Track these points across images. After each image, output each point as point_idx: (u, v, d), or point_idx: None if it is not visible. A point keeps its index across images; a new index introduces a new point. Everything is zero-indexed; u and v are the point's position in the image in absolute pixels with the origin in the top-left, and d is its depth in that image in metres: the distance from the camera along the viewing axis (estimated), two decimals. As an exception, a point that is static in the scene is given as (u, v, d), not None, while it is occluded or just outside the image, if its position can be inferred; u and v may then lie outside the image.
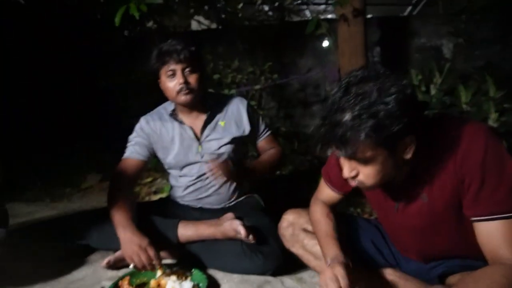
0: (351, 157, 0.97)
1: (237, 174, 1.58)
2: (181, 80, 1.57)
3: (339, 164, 1.27)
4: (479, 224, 0.97)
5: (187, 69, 1.59)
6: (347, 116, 0.91)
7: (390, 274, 1.29)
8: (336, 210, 1.39)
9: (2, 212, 1.60)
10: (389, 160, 0.96)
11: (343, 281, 1.00)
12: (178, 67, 1.57)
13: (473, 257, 1.09)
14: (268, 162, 1.77)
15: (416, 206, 1.09)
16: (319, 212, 1.34)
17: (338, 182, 1.31)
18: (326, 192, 1.37)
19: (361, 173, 1.00)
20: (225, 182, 1.67)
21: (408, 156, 0.97)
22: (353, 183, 1.04)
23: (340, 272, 1.03)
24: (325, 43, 3.90)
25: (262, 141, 1.83)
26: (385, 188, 1.14)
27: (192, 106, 1.69)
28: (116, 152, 1.84)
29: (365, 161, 0.96)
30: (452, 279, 1.14)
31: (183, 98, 1.61)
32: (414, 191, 1.08)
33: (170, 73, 1.58)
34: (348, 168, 1.01)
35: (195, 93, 1.63)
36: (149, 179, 3.14)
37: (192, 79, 1.61)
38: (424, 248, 1.19)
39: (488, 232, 0.96)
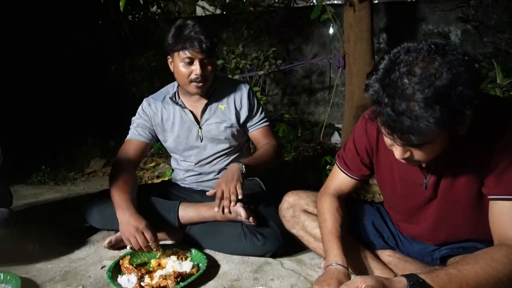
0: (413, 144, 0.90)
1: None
2: (199, 72, 1.54)
3: (356, 149, 1.27)
4: (495, 203, 0.98)
5: (205, 60, 1.56)
6: (416, 105, 0.81)
7: (389, 255, 1.30)
8: (348, 199, 1.36)
9: (5, 193, 1.63)
10: (448, 139, 0.92)
11: None
12: (197, 57, 1.53)
13: (480, 241, 1.09)
14: (263, 161, 1.64)
15: (443, 181, 1.08)
16: (328, 205, 1.28)
17: (355, 166, 1.29)
18: (339, 179, 1.33)
19: (415, 154, 0.95)
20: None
21: (463, 132, 0.91)
22: (402, 161, 1.00)
23: None
24: (331, 29, 3.84)
25: (257, 131, 1.75)
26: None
27: (199, 94, 1.67)
28: (121, 137, 1.84)
29: (423, 144, 0.90)
30: (453, 261, 1.14)
31: (194, 89, 1.60)
32: (446, 167, 1.07)
33: (187, 60, 1.54)
34: (401, 151, 0.95)
35: (207, 84, 1.61)
36: (152, 164, 3.15)
37: (208, 70, 1.58)
38: (441, 229, 1.17)
39: (502, 211, 0.96)
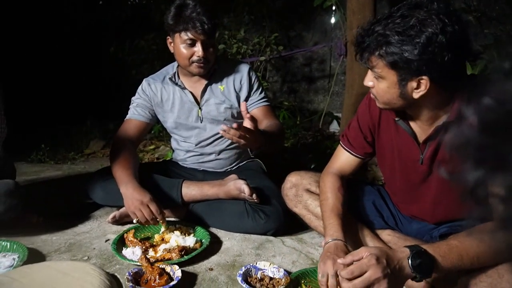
0: (369, 67, 1.05)
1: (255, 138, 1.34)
2: (201, 53, 1.53)
3: (360, 127, 1.30)
4: None
5: (207, 42, 1.55)
6: (379, 29, 0.97)
7: (389, 234, 1.33)
8: (351, 179, 1.39)
9: (10, 165, 1.63)
10: (396, 87, 1.02)
11: (331, 281, 0.99)
12: (199, 38, 1.52)
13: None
14: (273, 133, 1.57)
15: (439, 157, 1.12)
16: (330, 183, 1.30)
17: (359, 144, 1.32)
18: (343, 159, 1.36)
19: (374, 88, 1.08)
20: (243, 146, 1.42)
21: (416, 96, 1.02)
22: (372, 96, 1.14)
23: (330, 270, 1.00)
24: (333, 17, 3.83)
25: (257, 110, 1.71)
26: (411, 139, 1.16)
27: (201, 75, 1.67)
28: (120, 120, 1.83)
29: (378, 77, 1.05)
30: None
31: (196, 69, 1.59)
32: (438, 142, 1.10)
33: (189, 41, 1.53)
34: (367, 78, 1.09)
35: (209, 65, 1.61)
36: (151, 147, 3.16)
37: (209, 52, 1.57)
38: (439, 207, 1.20)
39: None
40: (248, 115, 1.32)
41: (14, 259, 1.26)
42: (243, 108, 1.36)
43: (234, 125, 1.23)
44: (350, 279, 0.89)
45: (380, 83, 1.05)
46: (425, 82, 0.98)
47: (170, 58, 1.73)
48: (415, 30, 0.93)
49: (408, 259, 0.89)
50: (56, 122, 3.61)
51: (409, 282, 1.08)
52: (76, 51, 4.01)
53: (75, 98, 3.97)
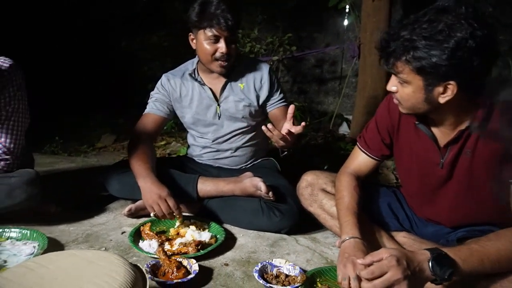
0: (394, 72, 1.04)
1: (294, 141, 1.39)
2: (225, 50, 1.54)
3: (378, 129, 1.31)
4: None
5: (230, 38, 1.56)
6: (405, 34, 0.96)
7: (404, 236, 1.34)
8: (366, 180, 1.39)
9: (29, 156, 1.66)
10: (422, 92, 1.02)
11: (354, 283, 0.98)
12: (223, 35, 1.53)
13: (497, 224, 1.12)
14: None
15: (460, 161, 1.12)
16: (346, 182, 1.31)
17: (375, 146, 1.33)
18: (359, 159, 1.37)
19: (398, 93, 1.08)
20: (281, 146, 1.42)
21: (442, 101, 1.01)
22: (395, 101, 1.13)
23: (351, 273, 0.99)
24: (346, 19, 3.83)
25: (276, 110, 1.75)
26: (431, 143, 1.16)
27: (222, 73, 1.68)
28: (130, 115, 1.86)
29: (403, 82, 1.04)
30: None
31: (219, 68, 1.61)
32: (460, 146, 1.10)
33: (213, 38, 1.54)
34: (391, 82, 1.08)
35: (231, 62, 1.62)
36: (162, 143, 3.18)
37: (232, 48, 1.58)
38: (458, 211, 1.20)
39: None
40: (290, 117, 1.35)
41: (34, 247, 1.29)
42: (290, 111, 1.35)
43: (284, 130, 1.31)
44: (370, 279, 0.90)
45: (405, 88, 1.04)
46: (452, 87, 0.97)
47: (181, 55, 1.75)
48: (443, 34, 0.92)
49: (429, 262, 0.89)
50: (67, 115, 3.64)
51: (428, 285, 1.10)
52: (87, 45, 4.03)
53: (86, 92, 4.00)
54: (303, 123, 1.34)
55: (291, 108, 1.35)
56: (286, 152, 1.64)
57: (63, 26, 3.85)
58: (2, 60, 1.40)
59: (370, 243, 1.28)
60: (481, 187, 1.12)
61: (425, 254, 0.91)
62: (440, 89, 0.99)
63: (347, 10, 3.37)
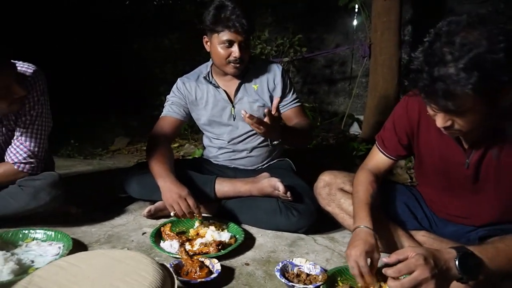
0: (447, 110, 0.94)
1: (274, 127, 1.42)
2: (238, 54, 1.58)
3: (395, 129, 1.31)
4: None
5: (243, 43, 1.59)
6: (452, 70, 0.86)
7: (423, 235, 1.34)
8: (384, 177, 1.40)
9: (51, 159, 1.70)
10: (488, 109, 0.93)
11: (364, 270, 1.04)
12: (237, 39, 1.56)
13: None
14: (298, 129, 1.68)
15: (486, 161, 1.12)
16: (363, 177, 1.34)
17: (392, 146, 1.34)
18: (376, 158, 1.39)
19: (456, 123, 0.98)
20: (263, 135, 1.46)
21: (506, 104, 0.93)
22: (446, 132, 1.04)
23: (358, 258, 1.04)
24: (355, 19, 3.83)
25: (289, 111, 1.78)
26: (455, 143, 1.15)
27: (235, 75, 1.70)
28: (143, 118, 1.89)
29: (463, 112, 0.93)
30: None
31: (232, 70, 1.64)
32: (487, 147, 1.10)
33: (227, 42, 1.57)
34: (442, 119, 0.98)
35: (244, 65, 1.65)
36: (176, 145, 3.21)
37: (245, 52, 1.62)
38: (483, 210, 1.20)
39: None
40: (275, 104, 1.41)
41: (59, 247, 1.32)
42: (275, 102, 1.41)
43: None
44: (396, 277, 0.90)
45: (466, 117, 0.95)
46: (508, 85, 0.90)
47: (192, 57, 1.77)
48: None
49: (455, 260, 0.90)
50: (79, 117, 3.68)
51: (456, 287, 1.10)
52: (100, 47, 4.08)
53: (98, 94, 4.04)
54: (275, 103, 1.41)
55: (276, 100, 1.43)
56: (276, 142, 1.70)
57: (76, 30, 3.91)
58: (26, 67, 1.43)
59: (388, 242, 1.30)
60: (506, 187, 1.12)
61: (451, 252, 0.91)
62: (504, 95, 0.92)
63: (356, 10, 3.37)
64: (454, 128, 0.99)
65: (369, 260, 1.06)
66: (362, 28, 3.56)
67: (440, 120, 0.99)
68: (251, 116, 1.33)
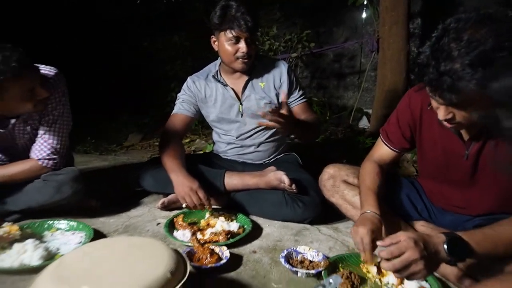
0: (452, 103, 0.97)
1: (290, 122, 1.51)
2: (245, 50, 1.65)
3: (398, 123, 1.37)
4: None
5: (250, 39, 1.66)
6: (458, 65, 0.89)
7: (423, 225, 1.40)
8: (388, 169, 1.46)
9: (71, 155, 1.81)
10: (490, 104, 0.95)
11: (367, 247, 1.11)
12: (243, 36, 1.64)
13: None
14: (306, 122, 1.76)
15: (485, 152, 1.17)
16: (369, 168, 1.40)
17: (396, 139, 1.40)
18: (381, 151, 1.45)
19: (457, 116, 1.02)
20: (281, 128, 1.51)
21: None
22: (448, 125, 1.07)
23: (362, 235, 1.12)
24: (364, 13, 3.84)
25: (297, 107, 1.84)
26: (455, 136, 1.20)
27: (243, 71, 1.78)
28: (155, 114, 1.98)
29: (466, 106, 0.97)
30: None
31: (240, 65, 1.71)
32: (486, 139, 1.14)
33: (234, 39, 1.64)
34: (444, 112, 1.02)
35: (251, 61, 1.73)
36: (187, 140, 3.32)
37: (252, 48, 1.69)
38: (481, 200, 1.25)
39: None
40: (284, 101, 1.49)
41: (82, 236, 1.43)
42: (283, 97, 1.48)
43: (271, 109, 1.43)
44: (389, 259, 0.97)
45: (467, 110, 0.98)
46: None
47: (202, 55, 1.85)
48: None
49: (444, 244, 0.96)
50: (95, 116, 3.80)
51: (445, 269, 1.16)
52: (110, 45, 4.17)
53: (111, 93, 4.15)
54: (284, 101, 1.52)
55: (283, 94, 1.54)
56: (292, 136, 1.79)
57: (88, 28, 4.01)
58: (48, 70, 1.54)
59: (389, 231, 1.36)
60: (505, 178, 1.15)
61: (440, 237, 0.98)
62: None
63: (365, 2, 3.39)
64: (456, 120, 1.04)
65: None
66: (371, 22, 3.57)
67: (442, 112, 1.03)
68: (266, 114, 1.42)
